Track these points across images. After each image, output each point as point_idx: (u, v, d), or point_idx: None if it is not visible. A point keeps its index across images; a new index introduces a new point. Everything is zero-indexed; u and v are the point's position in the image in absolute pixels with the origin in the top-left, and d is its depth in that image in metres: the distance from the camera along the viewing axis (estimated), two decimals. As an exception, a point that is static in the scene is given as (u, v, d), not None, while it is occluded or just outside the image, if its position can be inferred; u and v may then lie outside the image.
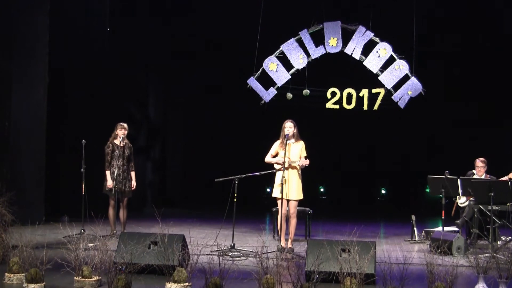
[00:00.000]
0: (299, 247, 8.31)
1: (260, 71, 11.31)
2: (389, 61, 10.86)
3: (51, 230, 9.18)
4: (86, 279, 6.00)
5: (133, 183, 9.40)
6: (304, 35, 11.14)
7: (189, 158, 15.85)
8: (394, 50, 10.85)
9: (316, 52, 11.14)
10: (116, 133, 9.29)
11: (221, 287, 5.64)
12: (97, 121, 11.56)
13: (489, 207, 8.55)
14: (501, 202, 8.78)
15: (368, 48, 10.92)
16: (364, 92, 11.09)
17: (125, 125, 9.37)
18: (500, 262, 6.12)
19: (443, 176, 9.10)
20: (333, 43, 11.04)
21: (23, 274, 6.07)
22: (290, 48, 11.20)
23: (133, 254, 6.23)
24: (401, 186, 16.08)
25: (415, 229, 9.85)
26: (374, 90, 11.05)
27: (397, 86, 10.89)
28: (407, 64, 10.78)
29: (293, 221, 8.47)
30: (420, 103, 11.59)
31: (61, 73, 11.64)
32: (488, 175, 9.50)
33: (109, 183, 9.16)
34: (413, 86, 10.81)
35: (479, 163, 9.58)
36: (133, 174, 9.43)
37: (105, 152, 9.25)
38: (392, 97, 10.91)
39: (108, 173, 9.19)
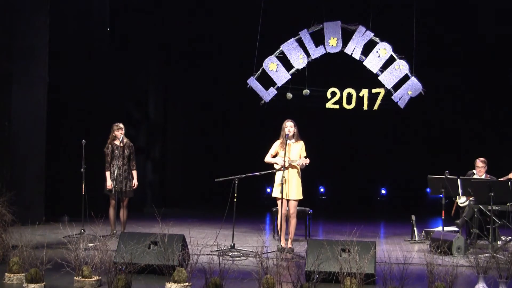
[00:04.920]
0: (299, 247, 8.30)
1: (260, 71, 11.29)
2: (389, 61, 10.85)
3: (51, 230, 9.18)
4: (86, 279, 6.01)
5: (135, 182, 9.38)
6: (304, 35, 11.13)
7: (189, 158, 15.84)
8: (394, 50, 10.84)
9: (316, 52, 11.13)
10: (114, 134, 9.30)
11: (221, 287, 5.64)
12: (97, 121, 11.55)
13: (489, 207, 8.55)
14: (501, 202, 8.78)
15: (368, 48, 10.90)
16: (364, 92, 11.07)
17: (121, 124, 9.35)
18: (500, 262, 6.11)
19: (443, 176, 9.10)
20: (333, 43, 11.03)
21: (23, 274, 6.07)
22: (290, 48, 11.18)
23: (133, 254, 6.22)
24: (401, 186, 16.07)
25: (415, 229, 9.84)
26: (374, 90, 11.03)
27: (397, 86, 10.88)
28: (407, 64, 10.76)
29: (293, 221, 8.47)
30: (420, 103, 11.58)
31: (61, 73, 11.63)
32: (488, 175, 9.49)
33: (109, 183, 9.18)
34: (413, 86, 10.80)
35: (479, 163, 9.58)
36: (134, 173, 9.41)
37: (104, 153, 9.26)
38: (392, 97, 10.90)
39: (107, 174, 9.21)
